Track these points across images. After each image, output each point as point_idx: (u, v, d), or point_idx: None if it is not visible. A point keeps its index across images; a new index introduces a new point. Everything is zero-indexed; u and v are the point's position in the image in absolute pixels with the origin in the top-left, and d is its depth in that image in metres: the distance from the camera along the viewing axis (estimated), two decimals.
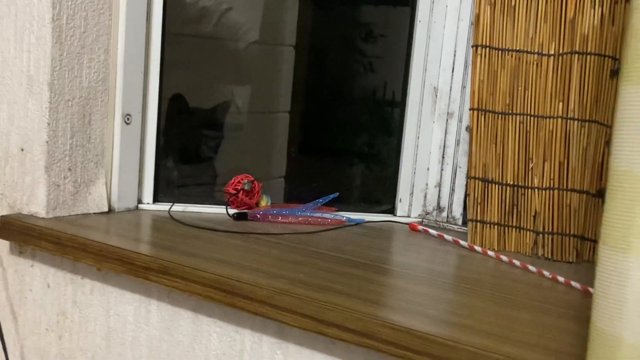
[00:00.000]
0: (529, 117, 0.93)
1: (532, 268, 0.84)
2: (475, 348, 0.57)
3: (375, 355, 0.66)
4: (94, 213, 0.96)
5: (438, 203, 1.10)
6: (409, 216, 1.11)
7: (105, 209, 0.97)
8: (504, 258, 0.88)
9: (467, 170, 0.99)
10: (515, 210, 0.94)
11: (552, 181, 0.91)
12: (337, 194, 1.09)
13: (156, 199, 1.05)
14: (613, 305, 0.46)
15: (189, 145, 1.16)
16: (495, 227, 0.95)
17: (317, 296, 0.67)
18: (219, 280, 0.72)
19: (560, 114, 0.91)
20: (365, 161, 1.23)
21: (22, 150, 0.90)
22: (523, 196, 0.94)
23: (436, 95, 1.08)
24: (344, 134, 1.22)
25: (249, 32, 1.22)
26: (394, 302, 0.69)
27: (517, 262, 0.86)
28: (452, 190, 1.08)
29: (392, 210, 1.13)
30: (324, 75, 1.26)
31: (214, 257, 0.79)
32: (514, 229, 0.94)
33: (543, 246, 0.92)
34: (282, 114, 1.28)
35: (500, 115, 0.95)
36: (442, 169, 1.09)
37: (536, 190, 0.92)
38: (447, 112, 1.08)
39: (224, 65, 1.20)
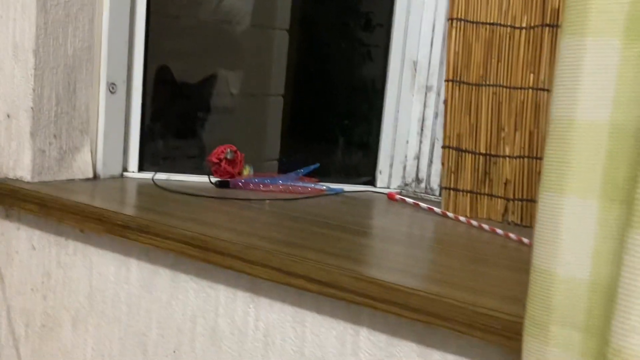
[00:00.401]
0: (501, 88, 0.96)
1: (499, 231, 0.87)
2: (428, 293, 0.60)
3: (339, 303, 0.69)
4: (79, 179, 0.99)
5: (417, 174, 1.13)
6: (388, 187, 1.14)
7: (90, 176, 1.00)
8: (474, 223, 0.91)
9: (442, 141, 1.01)
10: (487, 179, 0.97)
11: (522, 150, 0.94)
12: (318, 164, 1.12)
13: (142, 168, 1.07)
14: (549, 243, 0.48)
15: (175, 117, 1.19)
16: (468, 194, 0.98)
17: (285, 250, 0.70)
18: (194, 237, 0.75)
19: (531, 84, 0.94)
20: (349, 134, 1.26)
21: (8, 116, 0.93)
22: (495, 165, 0.96)
23: (415, 70, 1.11)
24: (336, 116, 1.24)
25: (243, 16, 1.24)
26: (359, 256, 0.72)
27: (485, 226, 0.89)
28: (431, 162, 1.11)
29: (372, 182, 1.16)
30: (316, 58, 1.29)
31: (191, 218, 0.82)
32: (485, 197, 0.97)
33: (513, 212, 0.95)
34: (275, 97, 1.31)
35: (474, 87, 0.97)
36: (421, 142, 1.12)
37: (507, 158, 0.95)
38: (426, 86, 1.10)
39: (216, 48, 1.22)
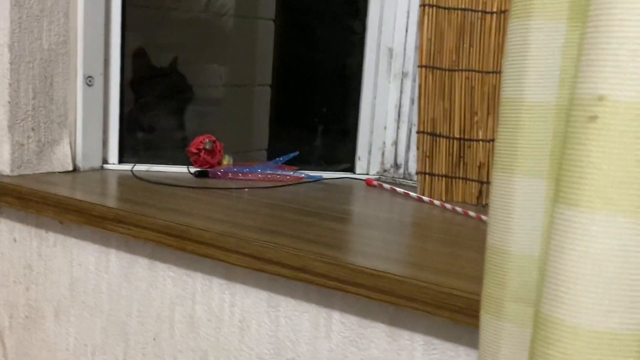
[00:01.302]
0: (473, 72, 0.97)
1: (472, 213, 0.88)
2: (396, 275, 0.62)
3: (312, 288, 0.70)
4: (59, 172, 1.00)
5: (395, 160, 1.14)
6: (367, 174, 1.16)
7: (70, 168, 1.01)
8: (447, 206, 0.93)
9: (417, 126, 1.03)
10: (461, 162, 0.98)
11: (495, 133, 0.95)
12: (297, 152, 1.13)
13: (122, 160, 1.09)
14: (502, 222, 0.50)
15: (155, 108, 1.19)
16: (443, 178, 0.99)
17: (258, 236, 0.72)
18: (171, 227, 0.77)
19: (502, 69, 0.95)
20: (331, 122, 1.27)
21: None
22: (469, 149, 0.98)
23: (391, 56, 1.12)
24: (320, 104, 1.25)
25: (226, 6, 1.25)
26: (333, 242, 0.73)
27: (459, 209, 0.91)
28: (408, 147, 1.13)
29: (352, 169, 1.17)
30: (302, 47, 1.29)
31: (168, 207, 0.83)
32: (460, 180, 0.99)
33: (487, 195, 0.96)
34: (263, 87, 1.32)
35: (447, 72, 0.99)
36: (398, 128, 1.13)
37: (481, 142, 0.97)
38: (402, 72, 1.12)
39: (199, 38, 1.23)
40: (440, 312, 0.61)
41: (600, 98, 0.31)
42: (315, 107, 1.25)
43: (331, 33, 1.25)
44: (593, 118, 0.32)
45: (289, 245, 0.69)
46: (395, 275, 0.63)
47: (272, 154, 1.23)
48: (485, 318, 0.52)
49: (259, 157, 1.30)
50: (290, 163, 1.14)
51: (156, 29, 1.16)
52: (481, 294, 0.52)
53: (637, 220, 0.31)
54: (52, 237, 0.91)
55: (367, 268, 0.64)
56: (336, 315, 0.70)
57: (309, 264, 0.67)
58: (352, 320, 0.69)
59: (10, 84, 0.91)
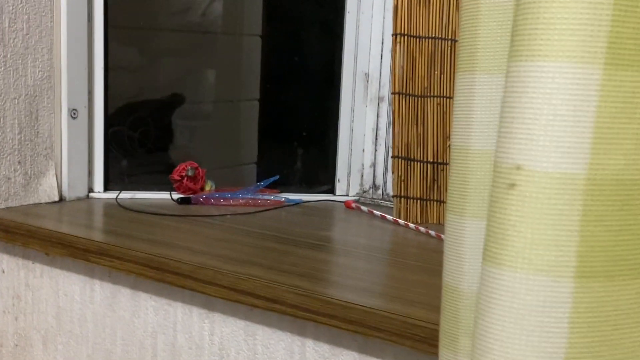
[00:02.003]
0: (445, 98, 1.01)
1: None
2: (364, 307, 0.65)
3: (286, 317, 0.73)
4: (45, 202, 1.03)
5: (374, 182, 1.17)
6: (347, 195, 1.19)
7: (56, 199, 1.04)
8: (422, 229, 0.96)
9: (392, 150, 1.06)
10: (435, 185, 1.02)
11: None
12: (277, 176, 1.16)
13: (107, 188, 1.12)
14: (454, 261, 0.53)
15: (141, 136, 1.22)
16: (418, 201, 1.03)
17: (233, 268, 0.75)
18: (151, 259, 0.80)
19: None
20: (312, 143, 1.30)
21: None
22: (442, 172, 1.01)
23: (367, 81, 1.16)
24: (304, 119, 1.28)
25: (215, 23, 1.28)
26: (306, 271, 0.76)
27: (432, 233, 0.94)
28: (386, 169, 1.16)
29: (332, 190, 1.20)
30: (287, 63, 1.32)
31: (150, 238, 0.86)
32: (435, 203, 1.02)
33: None
34: (251, 102, 1.35)
35: (419, 98, 1.02)
36: (375, 150, 1.16)
37: None
38: (378, 97, 1.15)
39: (189, 57, 1.26)
40: (404, 341, 0.64)
41: (518, 167, 0.34)
42: (298, 127, 1.28)
43: (315, 51, 1.28)
44: (512, 185, 0.35)
45: (263, 276, 0.72)
46: (363, 306, 0.66)
47: (261, 168, 1.26)
48: (442, 352, 0.55)
49: (248, 171, 1.33)
50: (271, 186, 1.17)
51: (140, 48, 1.19)
52: (439, 329, 0.55)
53: (553, 279, 0.34)
54: (38, 268, 0.94)
55: (338, 300, 0.67)
56: (309, 343, 0.73)
57: (281, 296, 0.70)
58: (324, 349, 0.72)
59: None
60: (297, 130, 1.28)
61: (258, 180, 1.24)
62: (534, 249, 0.34)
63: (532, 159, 0.34)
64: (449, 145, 1.00)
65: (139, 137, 1.20)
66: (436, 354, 0.63)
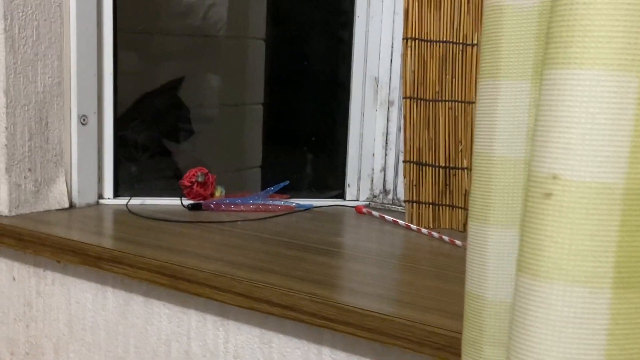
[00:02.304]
0: (457, 102, 1.00)
1: (458, 242, 0.91)
2: (381, 314, 0.65)
3: (301, 326, 0.73)
4: (56, 209, 1.02)
5: (384, 186, 1.17)
6: (357, 200, 1.18)
7: (66, 205, 1.04)
8: (434, 234, 0.96)
9: (403, 155, 1.05)
10: (447, 190, 1.01)
11: None
12: (287, 182, 1.16)
13: (117, 194, 1.11)
14: (477, 269, 0.53)
15: (149, 141, 1.22)
16: (430, 206, 1.02)
17: (248, 276, 0.74)
18: (164, 266, 0.79)
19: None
20: (321, 149, 1.29)
21: None
22: (454, 177, 1.01)
23: (377, 86, 1.15)
24: (312, 123, 1.28)
25: (218, 30, 1.27)
26: (321, 278, 0.76)
27: (445, 238, 0.93)
28: (396, 173, 1.15)
29: (342, 195, 1.20)
30: (291, 67, 1.31)
31: (162, 245, 0.86)
32: (447, 208, 1.01)
33: None
34: (255, 106, 1.34)
35: (430, 102, 1.01)
36: (386, 154, 1.16)
37: (466, 170, 0.99)
38: (388, 101, 1.15)
39: (194, 60, 1.26)
40: (423, 349, 0.63)
41: (554, 177, 0.34)
42: (306, 132, 1.28)
43: (322, 55, 1.27)
44: (548, 195, 0.34)
45: (279, 284, 0.72)
46: (380, 313, 0.65)
47: (265, 172, 1.25)
48: None
49: (252, 175, 1.33)
50: (281, 191, 1.17)
51: (147, 53, 1.18)
52: (462, 337, 0.55)
53: (591, 290, 0.34)
54: (50, 275, 0.93)
55: (354, 307, 0.67)
56: (326, 351, 0.72)
57: (297, 303, 0.70)
58: (341, 356, 0.71)
59: (6, 127, 0.94)
60: (303, 135, 1.27)
61: (263, 185, 1.23)
62: (571, 260, 0.34)
63: (569, 169, 0.34)
64: (461, 150, 1.00)
65: (143, 143, 1.20)
66: None
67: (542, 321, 0.35)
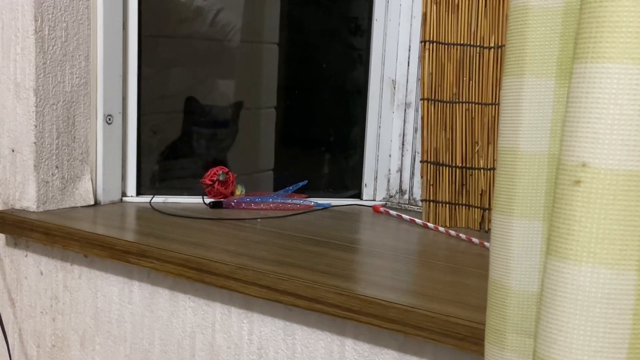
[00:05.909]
0: (473, 104, 1.02)
1: (475, 240, 0.93)
2: (404, 306, 0.67)
3: (325, 317, 0.75)
4: (81, 206, 1.05)
5: (400, 186, 1.19)
6: (374, 200, 1.20)
7: (92, 202, 1.06)
8: (452, 232, 0.98)
9: (420, 155, 1.08)
10: (464, 190, 1.03)
11: (496, 162, 1.00)
12: (306, 181, 1.18)
13: (139, 192, 1.14)
14: (502, 259, 0.55)
15: (170, 142, 1.25)
16: (447, 205, 1.04)
17: (273, 269, 0.76)
18: (190, 260, 0.81)
19: (500, 101, 1.00)
20: (338, 148, 1.32)
21: (12, 151, 0.99)
22: (471, 177, 1.03)
23: (394, 88, 1.17)
24: (326, 126, 1.30)
25: (234, 34, 1.30)
26: (343, 272, 0.78)
27: (462, 236, 0.95)
28: (412, 174, 1.18)
29: (359, 195, 1.22)
30: (305, 71, 1.34)
31: (187, 240, 0.88)
32: (463, 207, 1.03)
33: (489, 221, 1.01)
34: (268, 110, 1.37)
35: (448, 104, 1.04)
36: (402, 155, 1.18)
37: (482, 170, 1.01)
38: (405, 103, 1.17)
39: (209, 64, 1.29)
40: (446, 340, 0.65)
41: (584, 165, 0.36)
42: (322, 134, 1.30)
43: (336, 59, 1.30)
44: (577, 182, 0.36)
45: (303, 277, 0.74)
46: (403, 305, 0.67)
47: (278, 176, 1.28)
48: (489, 348, 0.56)
49: (265, 179, 1.35)
50: (299, 191, 1.19)
51: (164, 57, 1.21)
52: (485, 325, 0.57)
53: (617, 272, 0.36)
54: (76, 269, 0.96)
55: (377, 299, 0.69)
56: (349, 343, 0.74)
57: (322, 295, 0.72)
58: (364, 348, 0.73)
59: (35, 126, 0.97)
60: (318, 137, 1.30)
61: (275, 187, 1.26)
62: (599, 243, 0.36)
63: (597, 157, 0.36)
64: (477, 150, 1.02)
65: (160, 143, 1.22)
66: (476, 352, 0.64)
67: (571, 301, 0.37)
